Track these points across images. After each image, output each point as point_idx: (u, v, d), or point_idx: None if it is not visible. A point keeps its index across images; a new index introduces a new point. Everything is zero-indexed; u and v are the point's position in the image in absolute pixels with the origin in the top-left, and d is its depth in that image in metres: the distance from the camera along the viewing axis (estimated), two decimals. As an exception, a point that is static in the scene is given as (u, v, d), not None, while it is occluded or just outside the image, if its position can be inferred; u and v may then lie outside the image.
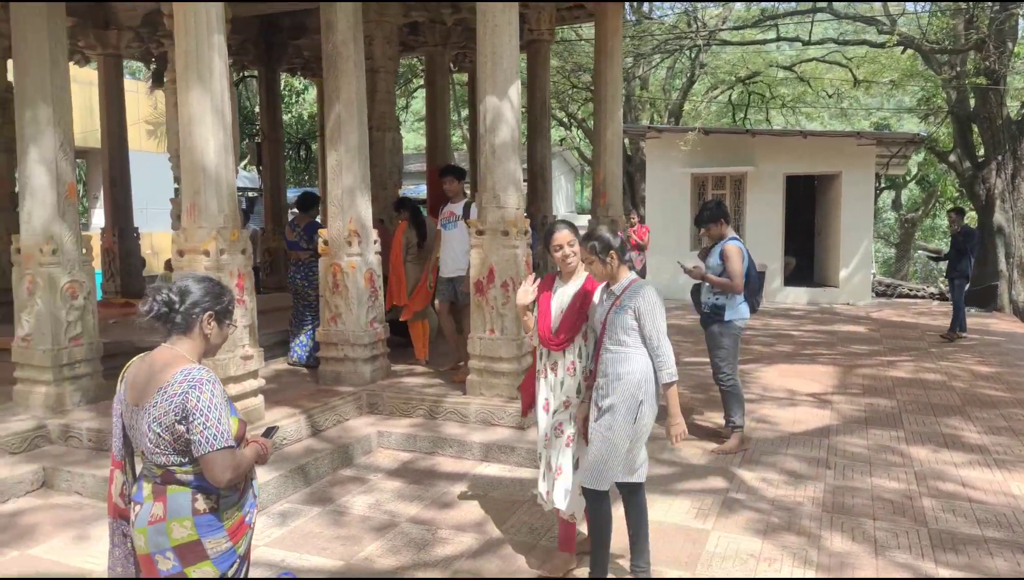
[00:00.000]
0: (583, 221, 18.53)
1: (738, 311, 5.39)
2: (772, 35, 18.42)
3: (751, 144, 14.26)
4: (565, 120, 23.44)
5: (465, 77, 15.33)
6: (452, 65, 11.34)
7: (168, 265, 13.82)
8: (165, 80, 11.29)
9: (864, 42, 17.39)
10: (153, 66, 10.95)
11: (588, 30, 17.91)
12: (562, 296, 3.69)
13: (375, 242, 6.48)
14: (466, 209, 6.49)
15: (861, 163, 13.85)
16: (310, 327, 7.08)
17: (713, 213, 5.44)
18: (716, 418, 6.16)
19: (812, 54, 19.72)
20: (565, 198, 26.44)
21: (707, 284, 5.42)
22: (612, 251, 3.42)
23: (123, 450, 2.42)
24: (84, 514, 4.44)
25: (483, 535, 4.14)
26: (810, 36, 16.93)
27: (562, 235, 3.65)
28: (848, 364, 8.47)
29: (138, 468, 2.43)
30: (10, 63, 8.01)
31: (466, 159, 17.32)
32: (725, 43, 19.22)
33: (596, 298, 3.57)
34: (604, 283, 3.53)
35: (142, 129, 18.88)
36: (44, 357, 5.41)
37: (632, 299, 3.37)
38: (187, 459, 2.26)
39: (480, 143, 5.76)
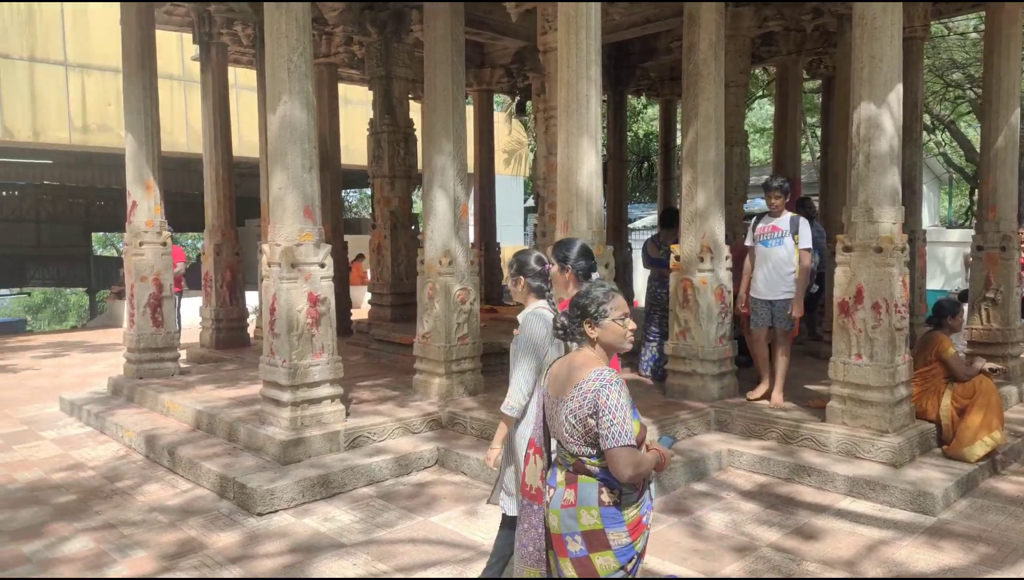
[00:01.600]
0: (951, 236, 16.25)
1: None
2: None
3: None
4: (928, 123, 20.83)
5: (811, 84, 14.49)
6: (804, 73, 10.80)
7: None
8: (528, 110, 12.49)
9: None
10: (517, 98, 12.17)
11: (962, 22, 15.80)
12: None
13: (727, 258, 6.44)
14: (793, 224, 6.07)
15: None
16: (658, 341, 7.26)
17: None
18: None
19: None
20: (929, 209, 23.44)
21: None
22: (520, 277, 3.41)
23: (544, 437, 2.73)
24: (472, 492, 5.08)
25: (855, 575, 3.86)
26: None
27: None
28: None
29: (553, 455, 2.73)
30: (412, 104, 9.56)
31: (805, 169, 16.32)
32: None
33: None
34: None
35: (499, 155, 21.07)
36: (439, 352, 6.33)
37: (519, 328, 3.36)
38: (596, 452, 2.48)
39: (851, 153, 5.40)
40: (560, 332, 2.68)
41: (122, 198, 20.74)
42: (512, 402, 3.26)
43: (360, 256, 15.62)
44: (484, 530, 4.45)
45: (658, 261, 7.41)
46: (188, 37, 11.44)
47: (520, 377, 3.25)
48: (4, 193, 21.50)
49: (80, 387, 8.39)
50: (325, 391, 5.52)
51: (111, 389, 7.58)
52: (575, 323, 2.65)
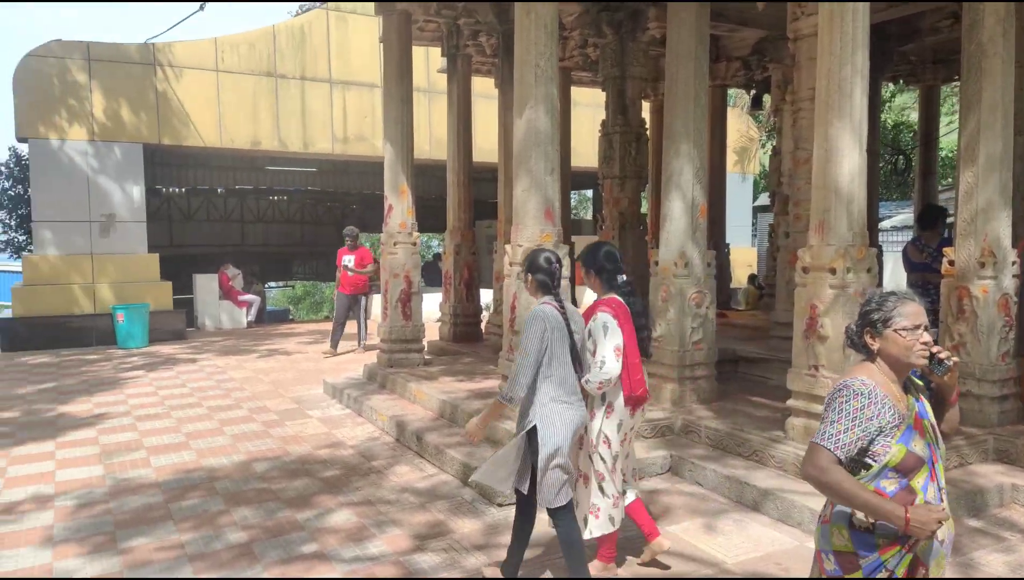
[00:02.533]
0: None
1: None
2: None
3: None
4: None
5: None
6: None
7: (751, 280, 14.53)
8: (764, 104, 11.86)
9: None
10: (753, 91, 11.58)
11: None
12: None
13: (1013, 264, 5.60)
14: None
15: None
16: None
17: None
18: None
19: None
20: None
21: None
22: (528, 275, 3.70)
23: None
24: (708, 505, 4.88)
25: None
26: None
27: None
28: None
29: None
30: (644, 104, 9.43)
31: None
32: None
33: None
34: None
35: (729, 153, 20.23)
36: (672, 357, 6.17)
37: None
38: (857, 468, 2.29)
39: None
40: (848, 342, 2.47)
41: (371, 202, 22.48)
42: (510, 393, 3.50)
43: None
44: (725, 547, 4.25)
45: (922, 266, 6.66)
46: (432, 52, 12.26)
47: (522, 370, 3.47)
48: (277, 198, 24.58)
49: (337, 372, 9.32)
50: (561, 390, 5.59)
51: (366, 375, 8.33)
52: (859, 333, 2.41)
